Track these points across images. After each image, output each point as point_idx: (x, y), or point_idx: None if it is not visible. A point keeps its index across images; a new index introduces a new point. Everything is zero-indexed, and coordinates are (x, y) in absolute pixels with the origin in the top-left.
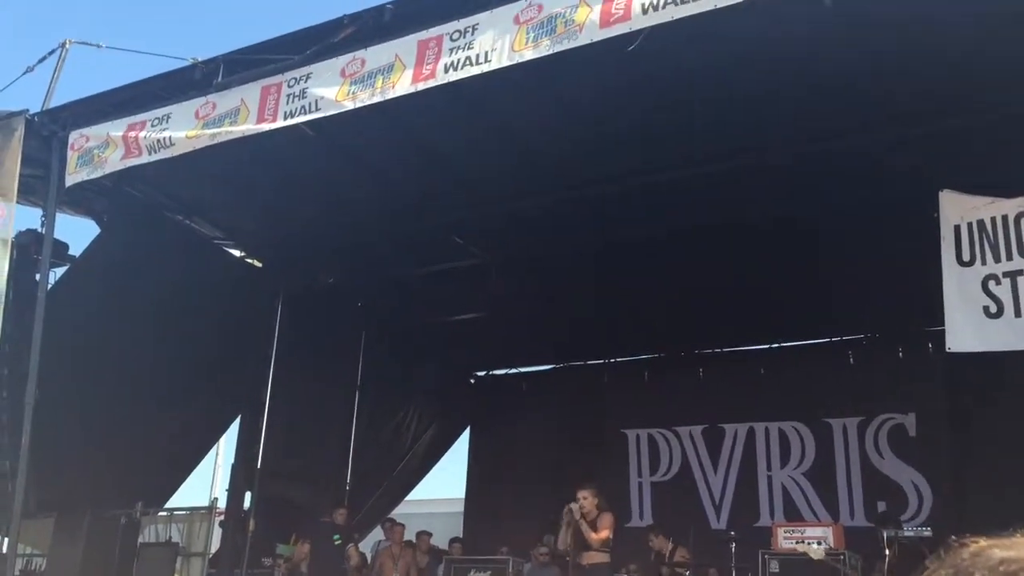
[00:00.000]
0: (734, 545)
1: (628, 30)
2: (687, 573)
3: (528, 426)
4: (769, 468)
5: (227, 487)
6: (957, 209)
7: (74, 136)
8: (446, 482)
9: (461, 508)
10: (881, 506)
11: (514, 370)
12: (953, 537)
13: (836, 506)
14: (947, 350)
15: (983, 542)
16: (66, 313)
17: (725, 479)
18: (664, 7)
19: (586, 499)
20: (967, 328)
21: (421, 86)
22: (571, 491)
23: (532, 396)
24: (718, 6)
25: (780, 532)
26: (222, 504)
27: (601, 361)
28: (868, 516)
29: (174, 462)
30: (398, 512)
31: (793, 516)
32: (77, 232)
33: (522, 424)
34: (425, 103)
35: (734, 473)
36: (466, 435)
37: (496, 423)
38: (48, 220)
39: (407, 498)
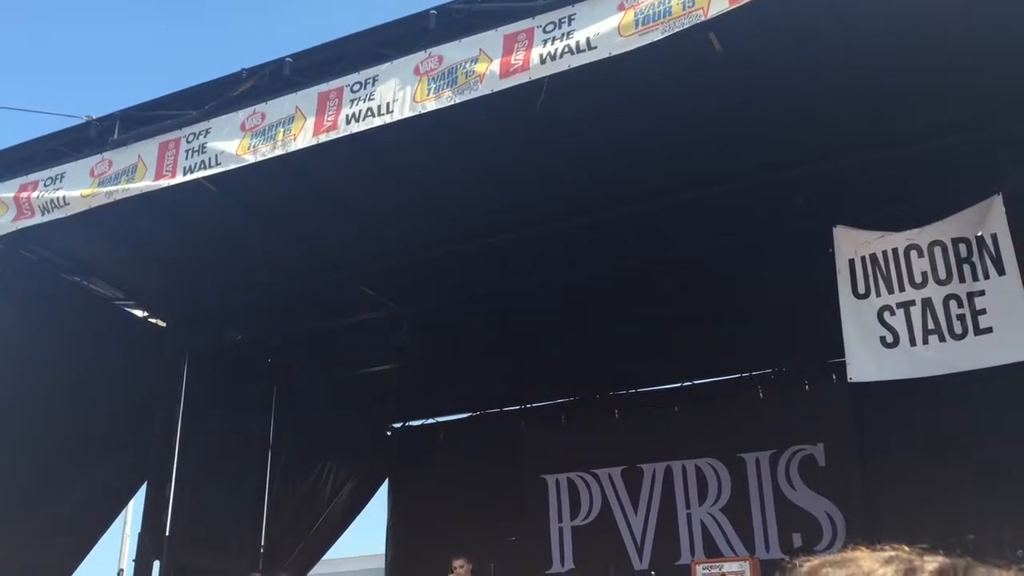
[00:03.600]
0: None
1: (528, 79)
2: None
3: (447, 475)
4: (688, 506)
5: (133, 557)
6: (851, 244)
7: None
8: (365, 538)
9: (381, 564)
10: (796, 539)
11: (431, 420)
12: (786, 558)
13: (752, 540)
14: (848, 380)
15: (815, 560)
16: None
17: (646, 519)
18: (561, 56)
19: (462, 567)
20: (866, 358)
21: (323, 138)
22: (493, 540)
23: (450, 445)
24: (612, 54)
25: (699, 569)
26: (129, 575)
27: (517, 407)
28: (783, 548)
29: (77, 535)
30: (316, 573)
31: (712, 552)
32: None
33: (441, 474)
34: (329, 154)
35: (654, 513)
36: (384, 488)
37: (415, 474)
38: None
39: (325, 557)
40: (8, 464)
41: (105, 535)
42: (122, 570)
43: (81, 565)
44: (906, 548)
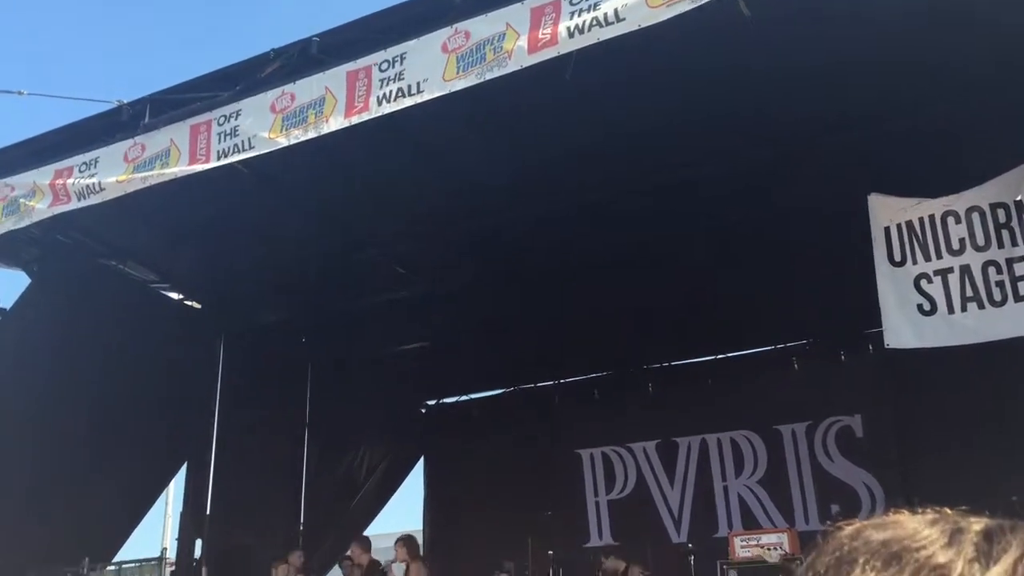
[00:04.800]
0: (693, 558)
1: (556, 54)
2: None
3: (482, 452)
4: (724, 479)
5: (176, 536)
6: (886, 211)
7: None
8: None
9: (420, 540)
10: (835, 509)
11: (464, 397)
12: (828, 522)
13: (791, 512)
14: (886, 347)
15: (857, 525)
16: (0, 367)
17: (682, 493)
18: (589, 30)
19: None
20: (904, 326)
21: (355, 119)
22: (529, 516)
23: (484, 422)
24: (641, 26)
25: (736, 541)
26: (172, 554)
27: (551, 383)
28: (822, 519)
29: (121, 514)
30: None
31: (750, 524)
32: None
33: (476, 451)
34: (357, 134)
35: (690, 486)
36: (420, 466)
37: (449, 452)
38: None
39: (364, 533)
40: (50, 447)
41: (148, 515)
42: (165, 548)
43: (125, 544)
44: (948, 511)
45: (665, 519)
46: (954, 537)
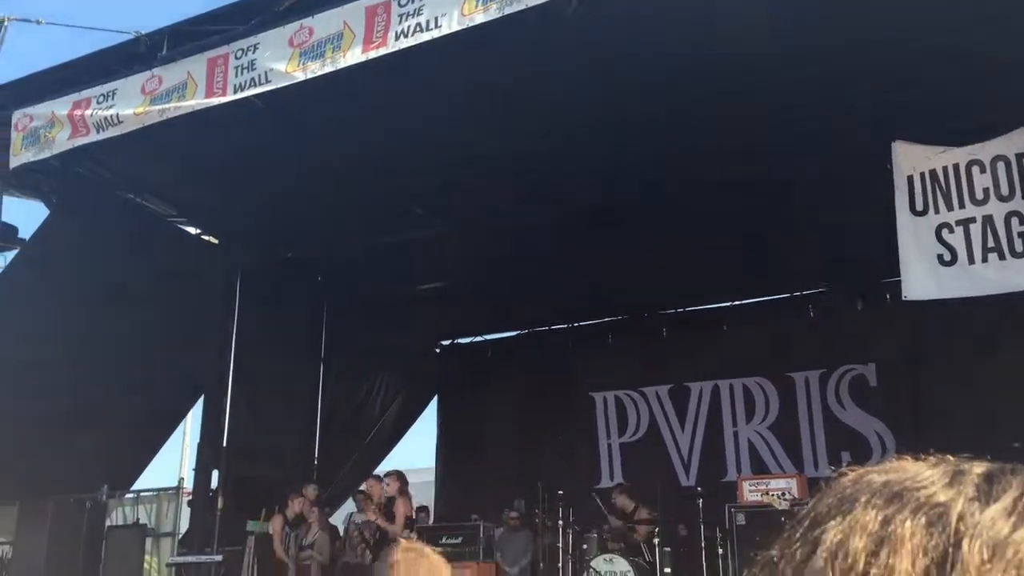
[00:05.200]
0: (701, 500)
1: None
2: (656, 530)
3: (496, 393)
4: (735, 424)
5: (193, 467)
6: (910, 159)
7: (17, 116)
8: (417, 452)
9: (432, 477)
10: (845, 456)
11: (479, 338)
12: (831, 468)
13: (800, 458)
14: (904, 298)
15: (861, 470)
16: (19, 298)
17: (692, 437)
18: None
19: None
20: (923, 276)
21: (373, 54)
22: (540, 456)
23: (498, 363)
24: None
25: (745, 486)
26: (189, 484)
27: (565, 326)
28: (832, 466)
29: (139, 444)
30: None
31: (759, 469)
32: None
33: (490, 391)
34: (375, 71)
35: (701, 430)
36: (434, 404)
37: (463, 391)
38: None
39: (376, 470)
40: (68, 378)
41: (165, 446)
42: (183, 479)
43: (143, 474)
44: (951, 457)
45: (675, 462)
46: (955, 478)
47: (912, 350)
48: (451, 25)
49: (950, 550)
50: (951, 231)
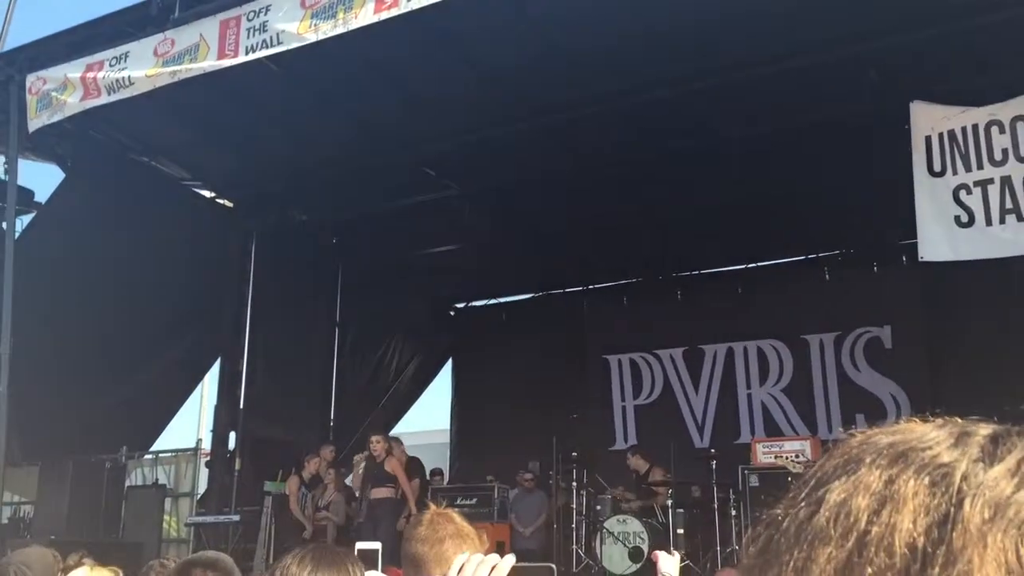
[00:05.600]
0: (715, 462)
1: None
2: (670, 492)
3: (510, 356)
4: (748, 386)
5: (211, 428)
6: (928, 119)
7: (31, 79)
8: (432, 414)
9: (447, 439)
10: (860, 419)
11: (493, 300)
12: (840, 429)
13: (814, 420)
14: (920, 259)
15: (868, 431)
16: (36, 260)
17: (706, 399)
18: None
19: (378, 443)
20: (939, 238)
21: (384, 15)
22: (555, 418)
23: (513, 326)
24: None
25: (759, 447)
26: (207, 445)
27: (580, 288)
28: (846, 428)
29: (157, 406)
30: None
31: (773, 432)
32: (42, 178)
33: (504, 354)
34: (388, 36)
35: (715, 393)
36: (449, 367)
37: (478, 354)
38: (11, 167)
39: (392, 432)
40: (85, 340)
41: (183, 408)
42: (200, 440)
43: (162, 435)
44: (958, 419)
45: (689, 424)
46: (961, 439)
47: (928, 312)
48: None
49: (952, 510)
50: (969, 192)
